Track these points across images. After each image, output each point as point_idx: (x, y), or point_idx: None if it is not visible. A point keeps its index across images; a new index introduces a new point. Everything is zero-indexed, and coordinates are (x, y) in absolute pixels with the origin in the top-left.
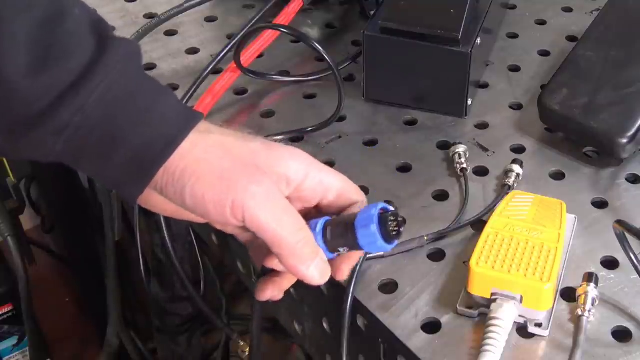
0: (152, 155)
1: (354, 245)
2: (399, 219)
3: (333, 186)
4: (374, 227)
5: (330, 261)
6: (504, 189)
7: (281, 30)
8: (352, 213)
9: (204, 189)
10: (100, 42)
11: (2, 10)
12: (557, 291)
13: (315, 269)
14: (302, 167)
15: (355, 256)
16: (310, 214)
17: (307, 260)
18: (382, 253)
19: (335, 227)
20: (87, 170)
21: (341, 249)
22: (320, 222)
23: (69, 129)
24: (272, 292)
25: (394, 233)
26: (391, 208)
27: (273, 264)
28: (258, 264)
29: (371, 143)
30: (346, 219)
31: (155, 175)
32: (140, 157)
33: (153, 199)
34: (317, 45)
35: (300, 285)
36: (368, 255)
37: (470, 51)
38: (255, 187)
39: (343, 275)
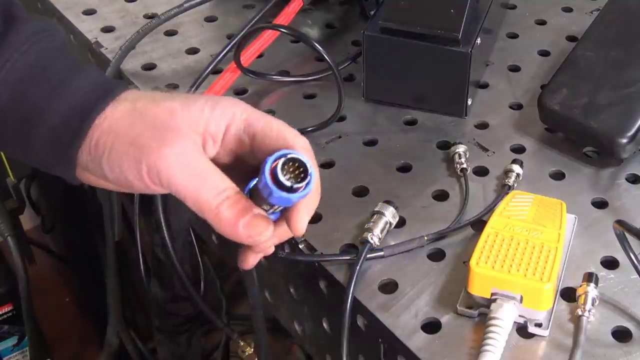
0: (70, 131)
1: (267, 201)
2: (297, 166)
3: (260, 130)
4: (265, 177)
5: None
6: (504, 189)
7: (281, 31)
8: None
9: (119, 160)
10: (4, 22)
11: None
12: (557, 291)
13: (244, 229)
14: (223, 119)
15: (304, 209)
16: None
17: (232, 222)
18: (381, 253)
19: (255, 186)
20: (15, 154)
21: (265, 208)
22: (252, 182)
23: None
24: (255, 258)
25: (290, 181)
26: (294, 155)
27: None
28: None
29: (371, 143)
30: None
31: (78, 153)
32: (58, 136)
33: (90, 177)
34: (317, 45)
35: (300, 285)
36: (368, 256)
37: (470, 51)
38: (167, 150)
39: (296, 230)
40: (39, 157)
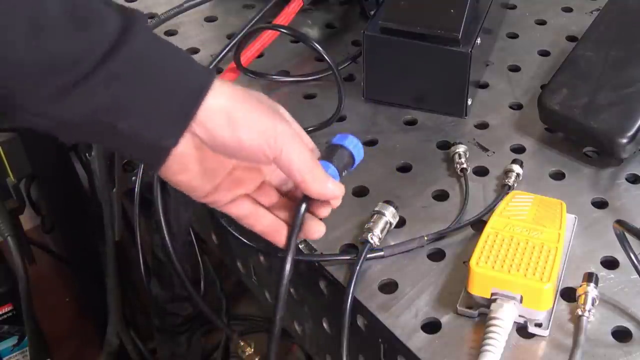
0: (196, 90)
1: (350, 162)
2: None
3: None
4: (358, 144)
5: None
6: (504, 189)
7: (281, 31)
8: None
9: (256, 128)
10: (121, 10)
11: None
12: (557, 291)
13: (332, 185)
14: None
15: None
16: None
17: (325, 181)
18: (381, 253)
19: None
20: (126, 122)
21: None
22: None
23: (121, 76)
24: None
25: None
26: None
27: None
28: (257, 228)
29: (371, 143)
30: (331, 149)
31: (196, 114)
32: (183, 93)
33: (183, 160)
34: (316, 45)
35: (300, 285)
36: (368, 256)
37: (470, 51)
38: (285, 126)
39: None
40: (154, 121)
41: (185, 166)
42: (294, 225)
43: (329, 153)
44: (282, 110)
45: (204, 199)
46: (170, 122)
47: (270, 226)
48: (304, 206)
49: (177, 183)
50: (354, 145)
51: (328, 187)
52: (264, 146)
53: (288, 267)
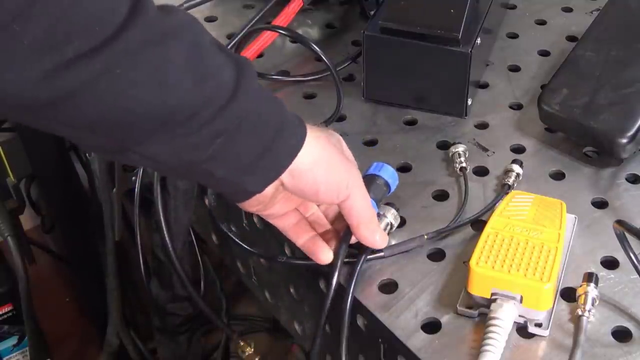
0: (291, 146)
1: (386, 190)
2: None
3: None
4: (395, 174)
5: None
6: (503, 189)
7: (279, 32)
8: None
9: (334, 178)
10: (232, 56)
11: (155, 37)
12: (557, 291)
13: (380, 236)
14: None
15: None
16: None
17: (375, 232)
18: (382, 253)
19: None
20: (222, 171)
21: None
22: None
23: (227, 132)
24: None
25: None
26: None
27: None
28: (299, 242)
29: (371, 143)
30: (369, 180)
31: (291, 163)
32: (281, 149)
33: (263, 198)
34: (314, 46)
35: (300, 285)
36: (368, 257)
37: (470, 51)
38: (354, 174)
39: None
40: (250, 169)
41: (263, 201)
42: (338, 253)
43: (368, 184)
44: (340, 139)
45: (261, 213)
46: (264, 173)
47: (310, 241)
48: (344, 246)
49: (249, 211)
50: (389, 175)
51: (376, 239)
52: (334, 194)
53: (331, 294)
